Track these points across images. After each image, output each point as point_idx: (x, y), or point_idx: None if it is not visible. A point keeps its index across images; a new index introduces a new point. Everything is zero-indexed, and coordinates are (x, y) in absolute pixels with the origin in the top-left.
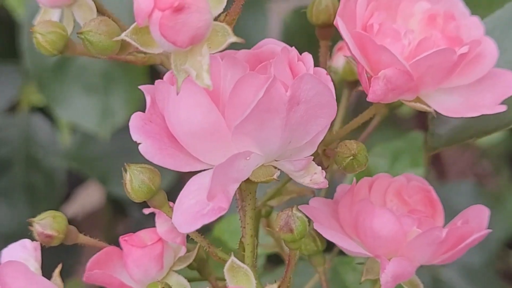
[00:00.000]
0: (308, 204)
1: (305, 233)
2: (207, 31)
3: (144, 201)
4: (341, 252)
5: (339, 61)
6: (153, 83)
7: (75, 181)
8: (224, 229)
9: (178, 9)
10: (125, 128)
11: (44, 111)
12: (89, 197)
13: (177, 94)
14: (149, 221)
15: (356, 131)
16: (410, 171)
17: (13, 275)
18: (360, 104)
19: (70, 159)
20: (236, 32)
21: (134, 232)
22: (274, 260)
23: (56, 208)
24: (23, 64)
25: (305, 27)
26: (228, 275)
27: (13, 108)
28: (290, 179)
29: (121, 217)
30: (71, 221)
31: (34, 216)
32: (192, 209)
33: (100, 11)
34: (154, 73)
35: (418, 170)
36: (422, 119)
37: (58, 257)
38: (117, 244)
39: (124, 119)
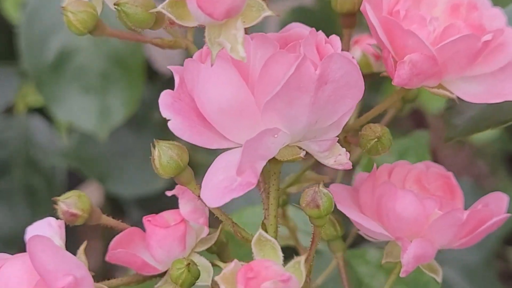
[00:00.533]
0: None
1: (331, 209)
2: (243, 4)
3: (144, 201)
4: (354, 245)
5: (355, 54)
6: (150, 84)
7: (74, 182)
8: (236, 222)
9: None
10: (124, 128)
11: (42, 112)
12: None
13: (211, 65)
14: None
15: None
16: None
17: (41, 248)
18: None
19: (69, 160)
20: None
21: None
22: (285, 254)
23: (55, 210)
24: (21, 66)
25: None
26: (255, 248)
27: (11, 110)
28: (309, 166)
29: (119, 216)
30: None
31: (33, 219)
32: (221, 184)
33: None
34: (150, 72)
35: None
36: (418, 119)
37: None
38: None
39: (122, 119)
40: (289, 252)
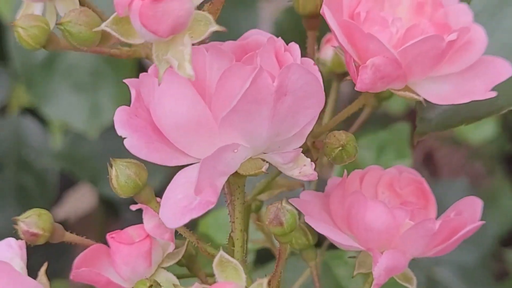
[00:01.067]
0: (298, 197)
1: (295, 226)
2: (188, 20)
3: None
4: (332, 246)
5: (327, 53)
6: None
7: (67, 183)
8: (210, 224)
9: None
10: (114, 128)
11: (35, 113)
12: (81, 199)
13: (159, 85)
14: (141, 222)
15: (346, 124)
16: (397, 162)
17: None
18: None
19: (61, 160)
20: (227, 31)
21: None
22: (265, 256)
23: (48, 210)
24: (12, 65)
25: (297, 25)
26: (217, 270)
27: (2, 110)
28: (280, 172)
29: (114, 218)
30: (63, 223)
31: None
32: (180, 203)
33: (83, 4)
34: (142, 70)
35: (405, 161)
36: (413, 115)
37: (48, 259)
38: None
39: (113, 117)
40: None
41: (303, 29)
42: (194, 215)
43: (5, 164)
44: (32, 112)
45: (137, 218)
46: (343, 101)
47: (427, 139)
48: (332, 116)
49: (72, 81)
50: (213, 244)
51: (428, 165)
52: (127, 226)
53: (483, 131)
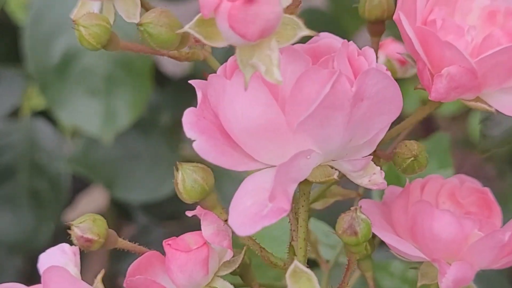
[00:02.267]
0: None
1: (369, 236)
2: (278, 23)
3: (150, 206)
4: (377, 257)
5: (379, 59)
6: (158, 87)
7: (78, 187)
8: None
9: (249, 0)
10: (130, 132)
11: (48, 116)
12: (92, 203)
13: (245, 90)
14: (154, 226)
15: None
16: (440, 171)
17: (57, 280)
18: None
19: (75, 164)
20: None
21: (138, 237)
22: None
23: (60, 214)
24: (26, 68)
25: (316, 27)
26: (290, 280)
27: (16, 113)
28: (336, 181)
29: (125, 222)
30: None
31: (38, 224)
32: (250, 210)
33: (143, 5)
34: (158, 75)
35: (448, 170)
36: (428, 121)
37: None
38: (125, 251)
39: (128, 123)
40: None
41: (318, 31)
42: (267, 222)
43: (18, 168)
44: (45, 115)
45: (150, 222)
46: None
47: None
48: None
49: (86, 85)
50: (252, 254)
51: None
52: (138, 230)
53: None
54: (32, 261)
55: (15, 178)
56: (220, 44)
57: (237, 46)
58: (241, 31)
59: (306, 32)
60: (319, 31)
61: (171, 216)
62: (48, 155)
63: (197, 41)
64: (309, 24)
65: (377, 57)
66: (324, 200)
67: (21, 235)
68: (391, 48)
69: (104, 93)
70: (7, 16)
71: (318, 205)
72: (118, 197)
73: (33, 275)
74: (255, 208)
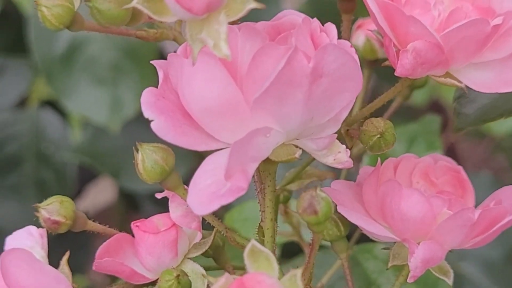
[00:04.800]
0: (329, 187)
1: (330, 214)
2: None
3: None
4: (361, 240)
5: (359, 39)
6: None
7: (86, 177)
8: (235, 218)
9: None
10: (137, 121)
11: (54, 106)
12: (101, 193)
13: (193, 65)
14: None
15: (374, 116)
16: (427, 154)
17: (16, 263)
18: (376, 91)
19: (82, 154)
20: (248, 21)
21: None
22: (291, 252)
23: None
24: (32, 58)
25: (319, 16)
26: (248, 260)
27: (22, 103)
28: (310, 162)
29: (133, 212)
30: None
31: None
32: (208, 189)
33: None
34: None
35: (436, 153)
36: (437, 109)
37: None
38: None
39: (134, 112)
40: (294, 248)
41: (326, 20)
42: (224, 201)
43: (24, 158)
44: (51, 105)
45: (158, 211)
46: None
47: (449, 131)
48: (362, 105)
49: (93, 74)
50: None
51: (451, 158)
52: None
53: (506, 123)
54: None
55: (21, 168)
56: (169, 19)
57: (186, 20)
58: (187, 5)
59: (254, 5)
60: (326, 20)
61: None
62: (54, 145)
63: (150, 18)
64: (315, 13)
65: (349, 36)
66: (299, 181)
67: (26, 224)
68: (369, 29)
69: (110, 82)
70: (14, 7)
71: (293, 186)
72: (125, 187)
73: None
74: (213, 187)
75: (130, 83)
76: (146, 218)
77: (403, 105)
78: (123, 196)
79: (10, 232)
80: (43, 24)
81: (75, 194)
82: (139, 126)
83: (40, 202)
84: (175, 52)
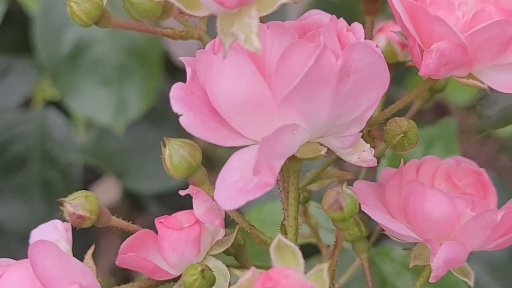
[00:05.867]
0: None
1: (356, 211)
2: None
3: (164, 196)
4: (377, 242)
5: (380, 42)
6: (170, 77)
7: (91, 177)
8: (254, 219)
9: None
10: (143, 122)
11: (60, 106)
12: (105, 193)
13: (224, 58)
14: None
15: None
16: (445, 157)
17: (44, 254)
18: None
19: (87, 155)
20: None
21: (152, 227)
22: (307, 252)
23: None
24: (37, 59)
25: None
26: (274, 254)
27: (27, 104)
28: (331, 163)
29: (138, 212)
30: None
31: (49, 213)
32: (236, 185)
33: None
34: (170, 66)
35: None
36: (442, 111)
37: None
38: None
39: (139, 112)
40: (310, 250)
41: None
42: (251, 197)
43: (29, 158)
44: (56, 105)
45: (163, 212)
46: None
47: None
48: (382, 108)
49: (98, 75)
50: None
51: None
52: (151, 220)
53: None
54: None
55: (27, 168)
56: (201, 13)
57: (218, 14)
58: None
59: (285, 0)
60: None
61: (184, 206)
62: (59, 145)
63: (181, 12)
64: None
65: (372, 37)
66: (320, 181)
67: (32, 225)
68: (392, 30)
69: (116, 82)
70: (19, 7)
71: (314, 187)
72: (130, 188)
73: None
74: (240, 183)
75: (135, 84)
76: (150, 219)
77: (406, 106)
78: (127, 196)
79: (16, 232)
80: (73, 20)
81: None
82: (143, 127)
83: (45, 202)
84: (174, 67)
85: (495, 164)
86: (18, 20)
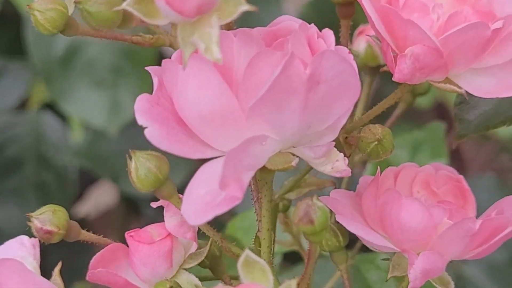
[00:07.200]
0: (328, 197)
1: (327, 224)
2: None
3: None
4: (363, 249)
5: (360, 45)
6: None
7: (87, 180)
8: (238, 226)
9: None
10: (137, 125)
11: (54, 109)
12: (102, 196)
13: (184, 69)
14: (163, 220)
15: (377, 122)
16: (432, 162)
17: (7, 274)
18: (378, 96)
19: (82, 157)
20: (248, 24)
21: None
22: (292, 259)
23: (68, 208)
24: (31, 61)
25: (321, 19)
26: (242, 270)
27: (22, 106)
28: (309, 170)
29: (134, 216)
30: (83, 221)
31: None
32: (203, 199)
33: None
34: None
35: (441, 160)
36: (442, 112)
37: (70, 258)
38: None
39: (133, 115)
40: (296, 257)
41: (328, 23)
42: (218, 211)
43: (24, 161)
44: (51, 108)
45: (159, 215)
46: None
47: (454, 134)
48: (365, 112)
49: (92, 77)
50: (240, 247)
51: (455, 160)
52: (148, 223)
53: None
54: (40, 254)
55: (22, 170)
56: (161, 22)
57: (177, 23)
58: (178, 7)
59: (246, 7)
60: (328, 22)
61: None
62: (54, 148)
63: (142, 21)
64: (317, 14)
65: (347, 42)
66: (298, 190)
67: (27, 228)
68: (367, 34)
69: (109, 85)
70: (13, 8)
71: (292, 195)
72: (125, 190)
73: (40, 268)
74: (208, 197)
75: (129, 86)
76: (145, 224)
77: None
78: (124, 199)
79: (10, 235)
80: (37, 29)
81: (77, 197)
82: (139, 130)
83: (40, 205)
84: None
85: (495, 165)
86: (13, 21)
